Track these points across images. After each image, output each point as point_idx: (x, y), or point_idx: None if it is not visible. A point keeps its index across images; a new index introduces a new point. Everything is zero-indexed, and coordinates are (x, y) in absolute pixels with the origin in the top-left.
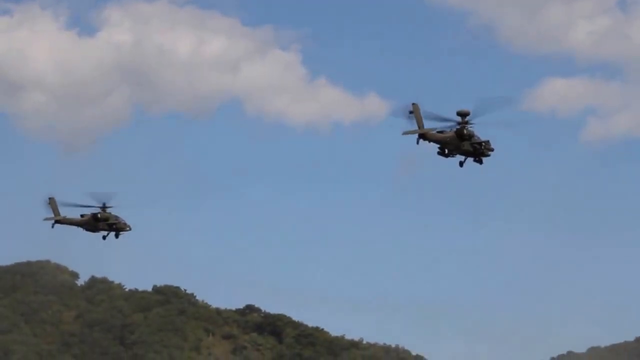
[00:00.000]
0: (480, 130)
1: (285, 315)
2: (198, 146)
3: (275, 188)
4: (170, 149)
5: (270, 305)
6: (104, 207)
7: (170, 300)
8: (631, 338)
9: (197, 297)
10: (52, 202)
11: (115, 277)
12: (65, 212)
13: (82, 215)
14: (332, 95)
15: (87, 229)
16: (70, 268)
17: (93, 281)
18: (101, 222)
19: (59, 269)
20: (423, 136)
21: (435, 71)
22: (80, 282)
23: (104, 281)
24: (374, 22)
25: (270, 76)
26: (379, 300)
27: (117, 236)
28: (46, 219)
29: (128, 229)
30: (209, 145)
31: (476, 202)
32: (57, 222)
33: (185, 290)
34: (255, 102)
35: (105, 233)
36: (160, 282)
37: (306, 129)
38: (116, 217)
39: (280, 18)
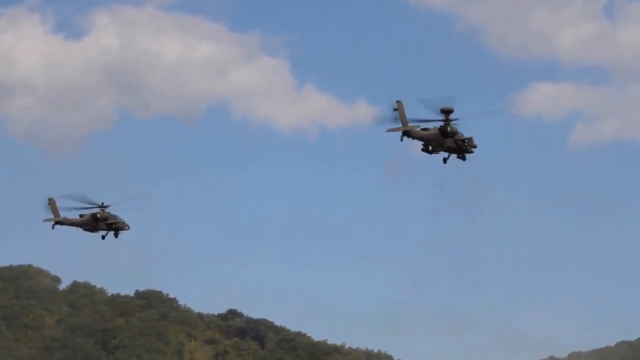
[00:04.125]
0: (464, 127)
1: (267, 320)
2: (184, 149)
3: (260, 193)
4: (156, 152)
5: (253, 310)
6: (102, 207)
7: (153, 305)
8: (612, 343)
9: (180, 302)
10: (51, 204)
11: (97, 282)
12: (64, 214)
13: (81, 216)
14: (320, 101)
15: (87, 229)
16: (53, 272)
17: (75, 286)
18: (100, 222)
19: (41, 273)
20: (407, 133)
21: (422, 75)
22: (63, 286)
23: (86, 286)
24: (361, 28)
25: (257, 82)
26: (362, 304)
27: (116, 235)
28: (46, 220)
29: (127, 228)
30: (194, 148)
31: (464, 205)
32: (57, 223)
33: (167, 294)
34: (242, 107)
35: (104, 233)
36: (142, 287)
37: (293, 134)
38: (115, 217)
39: (268, 24)
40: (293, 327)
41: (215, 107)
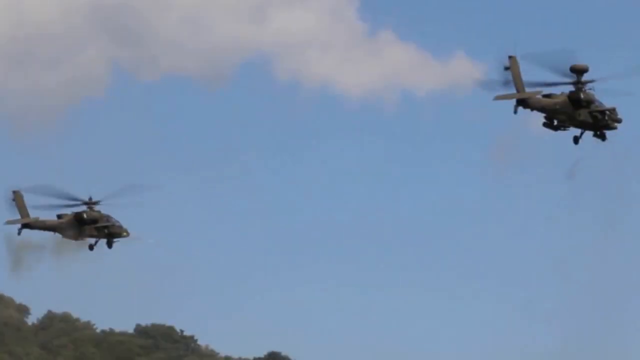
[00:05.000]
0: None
1: None
2: (206, 123)
3: (317, 188)
4: (167, 127)
5: (301, 353)
6: (90, 204)
7: (161, 346)
8: None
9: (199, 342)
10: (17, 198)
11: (81, 313)
12: (35, 213)
13: (59, 216)
14: (401, 55)
15: (67, 236)
16: (17, 300)
17: (50, 319)
18: (87, 226)
19: (2, 301)
20: (523, 102)
21: (543, 20)
22: (32, 320)
23: (66, 319)
24: None
25: (311, 28)
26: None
27: (109, 245)
28: (9, 222)
29: (125, 234)
30: (221, 122)
31: (603, 205)
32: (25, 226)
33: (182, 331)
34: (289, 64)
35: (92, 241)
36: (145, 321)
37: (363, 102)
38: (108, 218)
39: None
40: None
41: (252, 64)
